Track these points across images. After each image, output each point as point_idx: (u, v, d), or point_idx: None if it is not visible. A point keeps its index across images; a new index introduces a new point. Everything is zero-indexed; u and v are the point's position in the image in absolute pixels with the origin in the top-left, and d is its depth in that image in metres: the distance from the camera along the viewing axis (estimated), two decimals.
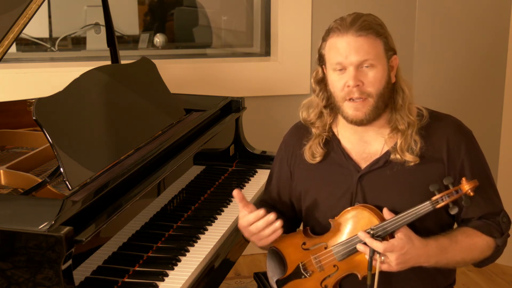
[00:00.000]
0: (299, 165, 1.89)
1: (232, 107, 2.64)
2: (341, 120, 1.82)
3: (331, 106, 1.82)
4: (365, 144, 1.80)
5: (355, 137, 1.80)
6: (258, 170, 2.57)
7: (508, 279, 3.26)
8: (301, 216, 1.92)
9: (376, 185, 1.76)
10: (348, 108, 1.72)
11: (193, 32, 3.85)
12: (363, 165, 1.79)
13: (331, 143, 1.84)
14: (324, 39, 1.75)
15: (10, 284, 1.51)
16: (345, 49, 1.68)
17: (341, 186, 1.80)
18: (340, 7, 3.31)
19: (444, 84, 3.50)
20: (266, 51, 3.54)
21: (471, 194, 1.63)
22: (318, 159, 1.83)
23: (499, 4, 3.45)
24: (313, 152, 1.84)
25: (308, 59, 3.37)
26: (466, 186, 1.63)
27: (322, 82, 1.81)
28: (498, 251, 1.76)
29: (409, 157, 1.72)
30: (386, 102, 1.74)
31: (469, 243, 1.71)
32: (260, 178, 2.50)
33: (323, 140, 1.83)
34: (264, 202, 1.99)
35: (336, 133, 1.84)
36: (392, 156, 1.75)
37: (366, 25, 1.69)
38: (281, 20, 3.35)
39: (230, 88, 3.16)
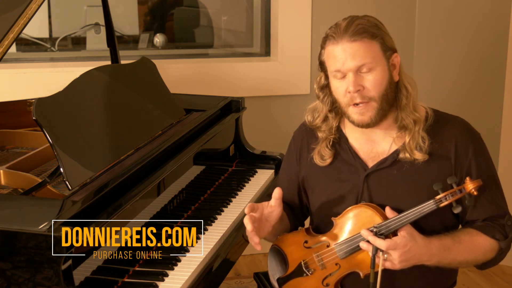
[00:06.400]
0: (307, 164, 1.90)
1: (232, 107, 2.64)
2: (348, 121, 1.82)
3: (336, 110, 1.83)
4: (373, 144, 1.80)
5: (363, 137, 1.81)
6: (258, 170, 2.56)
7: (508, 279, 3.25)
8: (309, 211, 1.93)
9: (382, 184, 1.77)
10: (353, 113, 1.73)
11: (193, 32, 3.85)
12: (370, 164, 1.80)
13: (339, 142, 1.85)
14: (322, 47, 1.76)
15: (10, 284, 1.51)
16: (341, 56, 1.69)
17: (348, 183, 1.81)
18: (340, 7, 3.32)
19: (444, 84, 3.49)
20: (266, 51, 3.54)
21: (475, 193, 1.64)
22: (328, 160, 1.84)
23: (499, 5, 3.45)
24: (322, 155, 1.85)
25: (308, 59, 3.37)
26: (469, 186, 1.63)
27: (326, 87, 1.82)
28: (501, 254, 1.76)
29: (418, 155, 1.73)
30: (391, 102, 1.75)
31: (472, 244, 1.72)
32: (260, 178, 2.50)
33: (331, 142, 1.84)
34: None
35: (344, 132, 1.85)
36: (401, 155, 1.75)
37: (360, 29, 1.68)
38: (281, 20, 3.35)
39: (230, 88, 3.16)
